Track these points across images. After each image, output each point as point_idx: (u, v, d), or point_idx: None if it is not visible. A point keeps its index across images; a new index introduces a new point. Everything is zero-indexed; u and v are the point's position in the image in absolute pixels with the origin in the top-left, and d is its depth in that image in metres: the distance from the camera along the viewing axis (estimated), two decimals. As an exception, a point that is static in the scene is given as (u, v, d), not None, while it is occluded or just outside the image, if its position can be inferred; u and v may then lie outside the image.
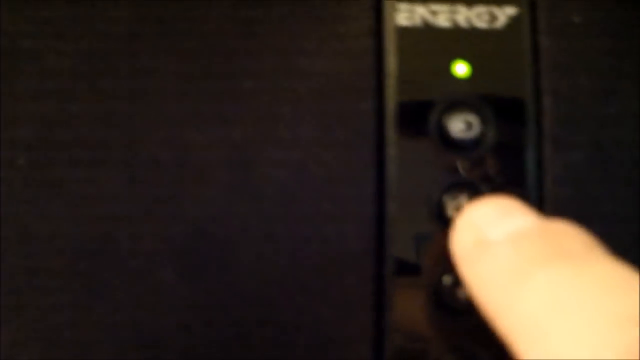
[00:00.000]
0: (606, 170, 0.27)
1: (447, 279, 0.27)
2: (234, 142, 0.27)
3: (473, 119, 0.27)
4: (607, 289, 0.19)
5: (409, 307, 0.27)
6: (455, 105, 0.27)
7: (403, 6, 0.28)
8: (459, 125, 0.27)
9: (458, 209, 0.27)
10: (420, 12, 0.28)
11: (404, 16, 0.28)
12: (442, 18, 0.28)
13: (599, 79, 0.27)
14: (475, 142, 0.27)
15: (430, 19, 0.28)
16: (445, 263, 0.27)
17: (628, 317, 0.18)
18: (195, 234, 0.27)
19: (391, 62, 0.28)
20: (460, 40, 0.28)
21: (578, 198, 0.27)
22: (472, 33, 0.28)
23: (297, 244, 0.27)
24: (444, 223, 0.27)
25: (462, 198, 0.27)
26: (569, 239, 0.21)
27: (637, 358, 0.17)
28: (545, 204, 0.27)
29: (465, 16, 0.28)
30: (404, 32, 0.28)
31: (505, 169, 0.27)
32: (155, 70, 0.27)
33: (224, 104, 0.27)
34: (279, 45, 0.27)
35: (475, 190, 0.27)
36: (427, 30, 0.28)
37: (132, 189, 0.27)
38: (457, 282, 0.27)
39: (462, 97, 0.27)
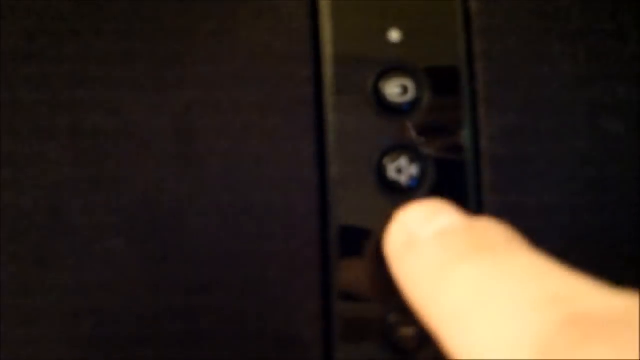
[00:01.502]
0: (539, 129, 0.28)
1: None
2: (176, 110, 0.27)
3: (408, 83, 0.28)
4: (524, 276, 0.20)
5: (354, 268, 0.28)
6: (391, 70, 0.28)
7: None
8: (395, 90, 0.28)
9: (399, 170, 0.28)
10: (354, -20, 0.28)
11: (338, -16, 0.28)
12: (376, -15, 0.28)
13: (529, 40, 0.28)
14: (412, 106, 0.28)
15: (364, -14, 0.28)
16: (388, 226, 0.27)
17: (543, 300, 0.18)
18: (141, 202, 0.27)
19: (327, 29, 0.28)
20: (394, 7, 0.28)
21: (513, 158, 0.28)
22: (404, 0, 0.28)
23: (241, 209, 0.27)
24: (385, 185, 0.28)
25: (402, 160, 0.28)
26: (490, 233, 0.22)
27: (552, 338, 0.17)
28: (482, 165, 0.28)
29: None
30: (338, 1, 0.28)
31: (441, 131, 0.28)
32: (96, 49, 0.27)
33: (165, 72, 0.27)
34: (216, 15, 0.28)
35: (413, 152, 0.28)
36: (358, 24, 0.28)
37: (77, 158, 0.27)
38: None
39: (397, 62, 0.28)
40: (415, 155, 0.28)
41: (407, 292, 0.23)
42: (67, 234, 0.27)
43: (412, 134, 0.28)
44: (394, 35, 0.28)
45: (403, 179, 0.28)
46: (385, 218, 0.27)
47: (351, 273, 0.28)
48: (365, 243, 0.27)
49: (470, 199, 0.28)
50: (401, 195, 0.28)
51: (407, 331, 0.28)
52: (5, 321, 0.27)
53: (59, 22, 0.27)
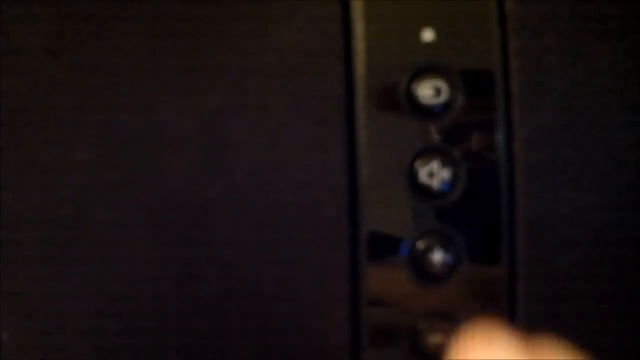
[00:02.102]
0: (575, 132, 0.28)
1: (420, 245, 0.27)
2: (206, 114, 0.27)
3: (442, 84, 0.27)
4: None
5: (383, 274, 0.27)
6: (424, 71, 0.27)
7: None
8: (427, 92, 0.27)
9: (430, 174, 0.27)
10: (387, -21, 0.28)
11: (371, -17, 0.28)
12: (409, -16, 0.28)
13: (566, 41, 0.27)
14: (445, 108, 0.27)
15: (397, -15, 0.28)
16: (420, 230, 0.27)
17: None
18: (169, 205, 0.26)
19: (359, 30, 0.27)
20: (427, 7, 0.27)
21: (547, 160, 0.27)
22: None
23: (270, 212, 0.27)
24: (416, 189, 0.27)
25: (434, 164, 0.27)
26: None
27: None
28: (515, 167, 0.27)
29: None
30: (371, 0, 0.28)
31: (475, 133, 0.27)
32: (124, 45, 0.27)
33: (194, 75, 0.27)
34: (246, 13, 0.27)
35: (446, 155, 0.27)
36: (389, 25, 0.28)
37: (105, 160, 0.27)
38: (431, 248, 0.27)
39: (430, 63, 0.27)
40: (447, 159, 0.27)
41: None
42: (93, 236, 0.27)
43: (445, 136, 0.27)
44: (427, 35, 0.27)
45: (435, 183, 0.27)
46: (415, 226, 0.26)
47: (380, 279, 0.27)
48: (395, 249, 0.27)
49: (502, 204, 0.27)
50: (432, 199, 0.27)
51: (435, 339, 0.27)
52: (31, 323, 0.26)
53: (87, 23, 0.27)
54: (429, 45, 0.27)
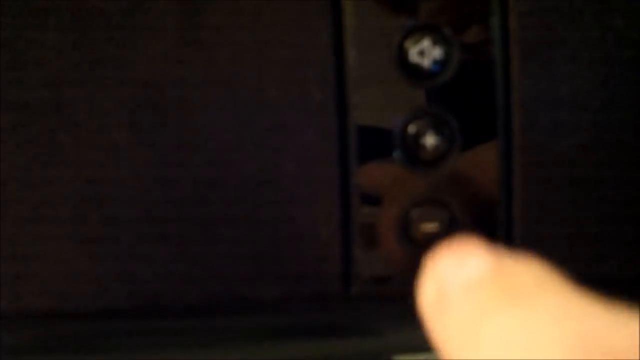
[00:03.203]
0: (571, 6, 0.26)
1: (411, 129, 0.26)
2: None
3: None
4: (556, 319, 0.19)
5: (374, 161, 0.26)
6: None
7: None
8: (417, -34, 0.26)
9: (421, 53, 0.26)
10: None
11: None
12: None
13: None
14: None
15: None
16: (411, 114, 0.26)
17: (576, 341, 0.18)
18: (147, 88, 0.25)
19: None
20: None
21: (544, 37, 0.26)
22: None
23: (255, 98, 0.25)
24: (406, 70, 0.26)
25: (425, 42, 0.26)
26: (520, 277, 0.21)
27: None
28: (510, 44, 0.26)
29: None
30: None
31: (467, 7, 0.26)
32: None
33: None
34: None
35: (437, 32, 0.26)
36: None
37: (79, 44, 0.25)
38: (423, 132, 0.26)
39: None
40: (438, 37, 0.26)
41: (441, 348, 0.22)
42: (70, 123, 0.25)
43: (435, 13, 0.26)
44: None
45: (426, 63, 0.26)
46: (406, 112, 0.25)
47: (370, 167, 0.26)
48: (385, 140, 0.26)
49: (497, 84, 0.26)
50: (423, 80, 0.26)
51: (427, 227, 0.26)
52: (8, 217, 0.25)
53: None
54: None
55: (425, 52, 0.26)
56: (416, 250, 0.26)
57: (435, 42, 0.26)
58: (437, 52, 0.26)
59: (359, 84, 0.26)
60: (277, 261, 0.26)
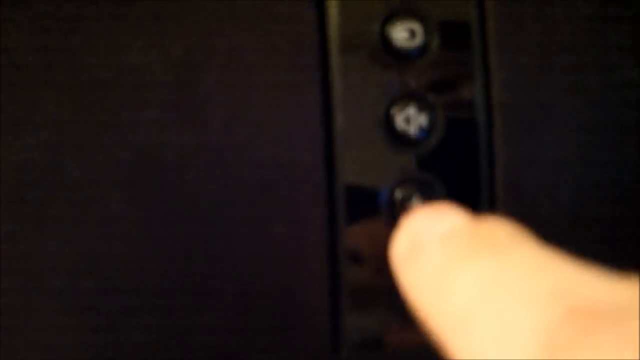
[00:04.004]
0: (553, 74, 0.27)
1: (399, 194, 0.26)
2: (175, 62, 0.25)
3: (416, 27, 0.26)
4: (527, 271, 0.19)
5: (361, 226, 0.26)
6: (398, 14, 0.26)
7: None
8: (402, 34, 0.26)
9: (407, 120, 0.26)
10: None
11: None
12: None
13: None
14: (420, 51, 0.26)
15: None
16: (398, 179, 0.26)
17: (546, 293, 0.18)
18: (141, 159, 0.26)
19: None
20: None
21: (526, 104, 0.27)
22: None
23: (245, 163, 0.26)
24: (393, 137, 0.26)
25: (410, 109, 0.26)
26: (494, 232, 0.22)
27: (556, 331, 0.17)
28: (493, 112, 0.27)
29: None
30: None
31: (452, 78, 0.27)
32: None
33: (163, 23, 0.25)
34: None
35: (422, 100, 0.26)
36: None
37: (74, 113, 0.26)
38: (409, 196, 0.26)
39: (405, 6, 0.26)
40: (424, 105, 0.26)
41: (411, 299, 0.23)
42: (66, 192, 0.26)
43: (421, 81, 0.26)
44: (401, -21, 0.26)
45: (412, 130, 0.26)
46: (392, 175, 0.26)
47: (358, 232, 0.26)
48: (372, 203, 0.26)
49: (481, 150, 0.27)
50: (410, 147, 0.26)
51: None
52: (3, 279, 0.25)
53: None
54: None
55: (410, 119, 0.26)
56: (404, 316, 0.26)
57: (420, 109, 0.26)
58: (422, 119, 0.26)
59: (346, 149, 0.26)
60: (266, 331, 0.26)
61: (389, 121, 0.26)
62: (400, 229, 0.24)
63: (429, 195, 0.26)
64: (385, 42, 0.26)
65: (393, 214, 0.26)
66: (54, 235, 0.26)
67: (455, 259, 0.21)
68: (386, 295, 0.26)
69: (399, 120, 0.26)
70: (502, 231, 0.22)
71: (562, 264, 0.20)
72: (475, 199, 0.27)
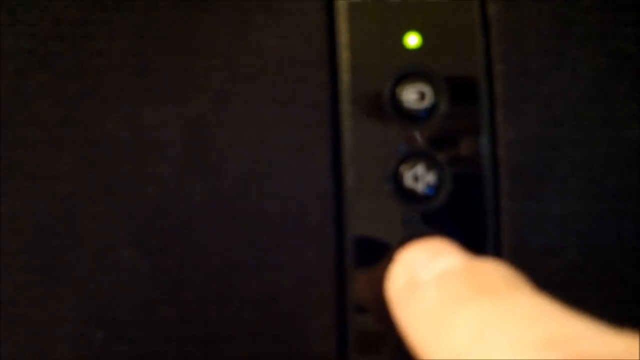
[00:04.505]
0: (558, 136, 0.28)
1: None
2: (190, 120, 0.27)
3: (426, 89, 0.27)
4: (525, 318, 0.19)
5: (370, 279, 0.27)
6: (408, 76, 0.27)
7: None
8: (412, 96, 0.27)
9: (415, 178, 0.27)
10: (370, -14, 0.28)
11: (354, -10, 0.28)
12: (392, -9, 0.28)
13: (548, 45, 0.28)
14: (429, 112, 0.27)
15: (380, -8, 0.28)
16: (406, 235, 0.27)
17: (544, 342, 0.18)
18: (154, 212, 0.26)
19: (343, 36, 0.28)
20: (411, 12, 0.28)
21: (532, 164, 0.28)
22: (422, 4, 0.28)
23: (256, 218, 0.26)
24: (401, 193, 0.27)
25: (419, 168, 0.27)
26: (491, 275, 0.22)
27: None
28: (499, 171, 0.27)
29: None
30: (355, 6, 0.28)
31: (459, 138, 0.27)
32: (110, 49, 0.27)
33: (179, 81, 0.27)
34: (231, 20, 0.27)
35: (430, 159, 0.27)
36: (378, 4, 0.28)
37: (90, 167, 0.26)
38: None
39: (415, 68, 0.27)
40: (432, 163, 0.27)
41: (409, 336, 0.23)
42: (79, 244, 0.26)
43: (429, 141, 0.27)
44: (412, 40, 0.28)
45: (420, 187, 0.27)
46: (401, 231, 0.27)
47: (366, 284, 0.27)
48: (381, 255, 0.27)
49: (488, 208, 0.27)
50: (418, 204, 0.27)
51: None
52: (17, 331, 0.26)
53: (72, 28, 0.27)
54: (413, 51, 0.28)
55: (419, 177, 0.27)
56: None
57: (428, 168, 0.27)
58: (430, 177, 0.27)
59: (356, 204, 0.27)
60: None
61: (397, 179, 0.27)
62: (396, 262, 0.25)
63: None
64: (395, 103, 0.27)
65: None
66: (67, 284, 0.26)
67: (452, 300, 0.21)
68: (392, 343, 0.27)
69: (408, 178, 0.27)
70: (499, 274, 0.22)
71: (559, 313, 0.20)
72: (482, 254, 0.28)
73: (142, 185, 0.26)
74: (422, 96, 0.27)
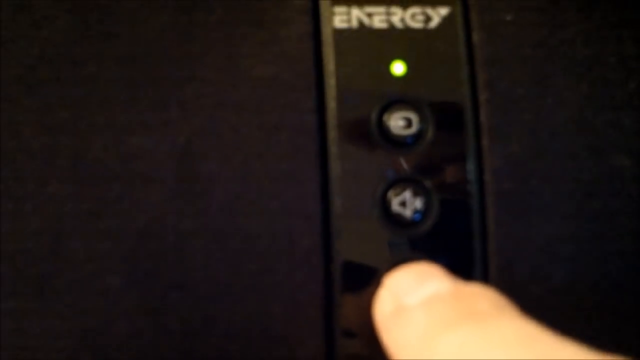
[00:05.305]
0: (543, 162, 0.28)
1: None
2: (178, 147, 0.27)
3: (412, 116, 0.28)
4: (511, 343, 0.20)
5: (358, 304, 0.27)
6: (394, 103, 0.28)
7: (339, 9, 0.28)
8: (398, 123, 0.28)
9: (403, 204, 0.27)
10: (356, 14, 0.28)
11: (341, 19, 0.28)
12: (378, 20, 0.28)
13: (533, 71, 0.28)
14: (416, 139, 0.28)
15: (367, 20, 0.28)
16: (394, 260, 0.27)
17: None
18: (142, 238, 0.26)
19: (330, 64, 0.28)
20: (396, 40, 0.28)
21: (518, 190, 0.28)
22: (407, 32, 0.28)
23: (244, 244, 0.27)
24: (389, 219, 0.27)
25: (406, 193, 0.27)
26: (478, 300, 0.22)
27: None
28: (486, 197, 0.28)
29: (400, 17, 0.28)
30: (341, 34, 0.28)
31: (446, 164, 0.28)
32: (99, 77, 0.27)
33: (168, 110, 0.27)
34: (219, 50, 0.27)
35: (418, 185, 0.27)
36: (364, 32, 0.28)
37: (78, 193, 0.26)
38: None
39: (401, 95, 0.28)
40: (419, 189, 0.27)
41: (395, 358, 0.23)
42: (67, 270, 0.26)
43: (416, 167, 0.28)
44: (398, 68, 0.28)
45: (407, 213, 0.27)
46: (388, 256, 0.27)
47: (354, 309, 0.27)
48: (369, 280, 0.27)
49: (475, 233, 0.28)
50: (405, 229, 0.27)
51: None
52: (3, 354, 0.26)
53: (60, 55, 0.27)
54: (399, 78, 0.28)
55: (406, 203, 0.27)
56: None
57: (415, 194, 0.27)
58: (417, 203, 0.27)
59: (344, 232, 0.27)
60: None
61: (385, 205, 0.27)
62: (384, 287, 0.25)
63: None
64: (382, 130, 0.28)
65: None
66: (54, 311, 0.26)
67: (439, 325, 0.21)
68: None
69: (395, 204, 0.27)
70: (486, 299, 0.22)
71: (545, 337, 0.20)
72: (468, 279, 0.28)
73: (130, 211, 0.27)
74: (408, 123, 0.28)
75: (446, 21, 0.28)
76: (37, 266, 0.26)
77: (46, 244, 0.26)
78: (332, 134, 0.27)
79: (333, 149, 0.27)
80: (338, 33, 0.28)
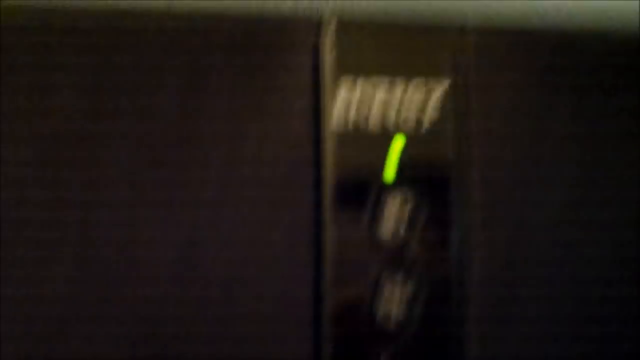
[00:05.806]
0: (528, 251, 0.29)
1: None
2: (183, 228, 0.27)
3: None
4: None
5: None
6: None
7: (337, 112, 0.29)
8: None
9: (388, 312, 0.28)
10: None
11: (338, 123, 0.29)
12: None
13: (524, 157, 0.29)
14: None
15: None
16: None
17: None
18: (144, 320, 0.27)
19: (329, 144, 0.28)
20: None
21: (502, 278, 0.29)
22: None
23: (242, 326, 0.27)
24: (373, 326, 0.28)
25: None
26: None
27: None
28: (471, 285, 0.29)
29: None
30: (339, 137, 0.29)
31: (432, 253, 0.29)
32: (104, 160, 0.27)
33: (173, 189, 0.27)
34: (224, 131, 0.28)
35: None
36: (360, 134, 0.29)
37: (82, 273, 0.27)
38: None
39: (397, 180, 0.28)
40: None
41: None
42: (70, 353, 0.26)
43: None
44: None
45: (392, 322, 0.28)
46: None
47: None
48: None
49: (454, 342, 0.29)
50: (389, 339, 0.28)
51: None
52: None
53: (68, 139, 0.27)
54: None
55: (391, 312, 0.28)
56: None
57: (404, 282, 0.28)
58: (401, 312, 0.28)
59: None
60: None
61: (371, 312, 0.28)
62: None
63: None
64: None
65: None
66: None
67: None
68: None
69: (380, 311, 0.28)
70: None
71: None
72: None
73: (133, 292, 0.27)
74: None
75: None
76: (41, 348, 0.26)
77: (49, 323, 0.26)
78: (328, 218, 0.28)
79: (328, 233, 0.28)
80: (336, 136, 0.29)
